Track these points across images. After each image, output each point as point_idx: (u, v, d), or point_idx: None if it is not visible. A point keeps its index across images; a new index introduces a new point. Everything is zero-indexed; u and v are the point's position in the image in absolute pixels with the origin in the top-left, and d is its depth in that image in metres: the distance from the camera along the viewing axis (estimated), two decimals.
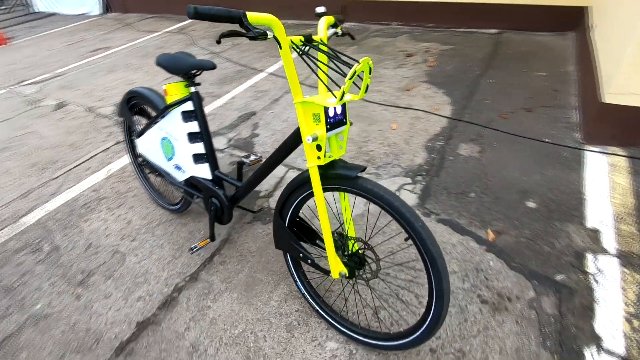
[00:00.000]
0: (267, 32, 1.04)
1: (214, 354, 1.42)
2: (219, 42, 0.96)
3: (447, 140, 2.54)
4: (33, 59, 5.56)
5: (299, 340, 1.44)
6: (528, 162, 2.25)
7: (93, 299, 1.71)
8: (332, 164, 1.19)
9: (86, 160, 2.80)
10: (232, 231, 2.00)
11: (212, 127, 3.01)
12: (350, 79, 0.95)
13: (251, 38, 0.98)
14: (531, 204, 1.95)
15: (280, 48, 1.05)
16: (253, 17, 0.97)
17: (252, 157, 1.78)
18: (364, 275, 1.35)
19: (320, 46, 1.12)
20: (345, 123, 1.17)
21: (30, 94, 4.24)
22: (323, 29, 1.25)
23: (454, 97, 3.08)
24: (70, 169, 2.71)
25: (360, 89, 1.03)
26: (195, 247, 1.71)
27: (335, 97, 1.03)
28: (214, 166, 1.69)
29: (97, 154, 2.86)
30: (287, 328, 1.49)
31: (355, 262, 1.32)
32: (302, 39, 1.11)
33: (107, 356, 1.46)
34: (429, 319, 1.16)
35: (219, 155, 2.65)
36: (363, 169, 1.16)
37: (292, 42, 1.08)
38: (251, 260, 1.81)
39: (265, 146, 2.68)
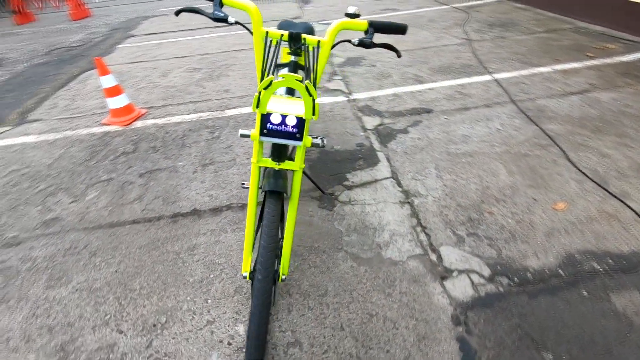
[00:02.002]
0: (230, 18, 1.12)
1: None
2: (176, 14, 1.05)
3: None
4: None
5: None
6: None
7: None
8: (271, 171, 1.14)
9: None
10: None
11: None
12: (264, 88, 0.88)
13: (212, 19, 1.05)
14: None
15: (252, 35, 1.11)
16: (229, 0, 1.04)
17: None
18: None
19: (303, 52, 1.06)
20: (297, 139, 1.01)
21: None
22: (330, 33, 1.07)
23: None
24: None
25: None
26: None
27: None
28: None
29: None
30: None
31: None
32: (286, 36, 1.06)
33: None
34: None
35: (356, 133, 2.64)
36: (283, 191, 1.09)
37: (268, 34, 1.07)
38: None
39: (408, 163, 2.43)
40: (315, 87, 1.14)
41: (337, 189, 2.12)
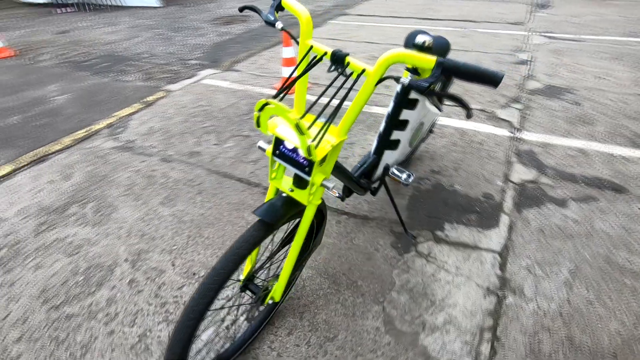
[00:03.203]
0: (278, 23, 1.02)
1: None
2: (240, 10, 0.99)
3: None
4: None
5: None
6: None
7: None
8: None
9: None
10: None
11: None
12: (259, 110, 0.79)
13: (264, 21, 0.97)
14: None
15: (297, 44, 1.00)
16: (286, 3, 0.93)
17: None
18: None
19: (343, 76, 0.85)
20: (305, 173, 0.88)
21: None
22: (378, 64, 0.81)
23: None
24: None
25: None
26: None
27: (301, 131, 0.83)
28: None
29: None
30: None
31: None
32: (329, 54, 0.86)
33: None
34: None
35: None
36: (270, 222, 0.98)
37: (312, 48, 0.89)
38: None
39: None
40: (348, 126, 0.95)
41: (424, 235, 1.79)
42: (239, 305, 1.44)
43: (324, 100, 0.94)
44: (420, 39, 0.87)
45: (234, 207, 2.05)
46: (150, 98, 3.55)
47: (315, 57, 0.95)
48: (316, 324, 1.43)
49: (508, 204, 1.94)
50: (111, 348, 1.40)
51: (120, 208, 2.12)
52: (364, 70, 0.89)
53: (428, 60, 0.82)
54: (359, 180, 1.55)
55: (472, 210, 1.92)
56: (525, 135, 2.53)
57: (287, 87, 0.92)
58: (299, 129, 0.78)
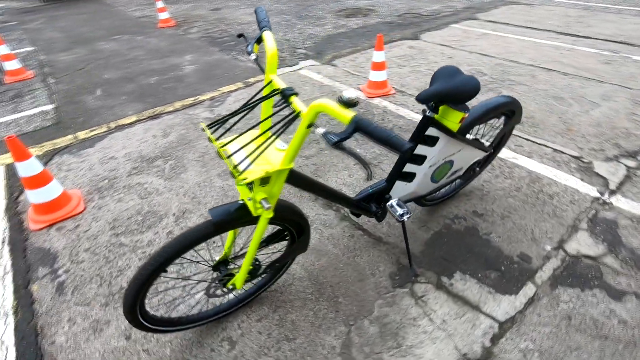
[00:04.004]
0: (252, 55, 1.14)
1: None
2: (238, 36, 1.06)
3: None
4: None
5: None
6: None
7: None
8: None
9: None
10: None
11: None
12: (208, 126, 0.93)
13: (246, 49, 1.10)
14: None
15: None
16: (264, 37, 1.03)
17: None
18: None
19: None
20: (248, 184, 1.05)
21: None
22: (308, 110, 0.93)
23: None
24: None
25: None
26: None
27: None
28: None
29: None
30: None
31: None
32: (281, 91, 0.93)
33: None
34: None
35: None
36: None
37: (271, 82, 0.94)
38: None
39: None
40: (290, 158, 1.03)
41: (427, 276, 1.69)
42: (202, 281, 1.69)
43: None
44: (348, 94, 0.86)
45: None
46: (251, 80, 4.00)
47: (273, 90, 1.03)
48: (284, 321, 1.55)
49: (544, 274, 1.66)
50: None
51: (189, 170, 2.55)
52: (299, 113, 0.93)
53: (344, 117, 0.82)
54: (360, 202, 1.56)
55: (496, 267, 1.71)
56: (618, 201, 2.05)
57: (232, 115, 1.01)
58: (221, 155, 0.89)
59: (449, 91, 1.30)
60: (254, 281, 1.65)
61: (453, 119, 1.41)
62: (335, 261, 1.81)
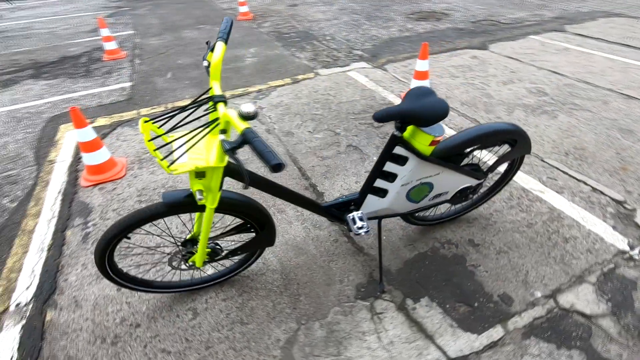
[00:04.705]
0: (204, 62, 1.24)
1: None
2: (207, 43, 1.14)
3: None
4: None
5: None
6: None
7: None
8: None
9: None
10: None
11: None
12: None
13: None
14: None
15: None
16: (216, 46, 1.09)
17: None
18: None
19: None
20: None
21: None
22: (221, 122, 0.86)
23: None
24: None
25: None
26: None
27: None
28: None
29: None
30: None
31: None
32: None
33: None
34: None
35: None
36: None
37: (210, 89, 1.01)
38: None
39: None
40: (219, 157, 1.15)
41: (393, 295, 1.66)
42: (169, 254, 1.74)
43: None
44: (246, 108, 0.90)
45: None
46: (300, 77, 4.16)
47: (208, 96, 1.14)
48: (245, 306, 1.67)
49: (521, 321, 1.52)
50: None
51: None
52: (217, 119, 1.01)
53: (238, 128, 0.89)
54: (330, 209, 1.60)
55: (468, 302, 1.61)
56: None
57: (168, 115, 1.12)
58: (148, 145, 1.01)
59: (409, 112, 1.26)
60: (227, 264, 1.80)
61: (422, 141, 1.37)
62: (311, 261, 1.87)
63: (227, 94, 3.85)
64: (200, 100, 1.15)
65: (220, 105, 1.09)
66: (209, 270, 1.81)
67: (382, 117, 1.27)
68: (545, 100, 3.31)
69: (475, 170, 1.64)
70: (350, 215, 1.57)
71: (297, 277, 1.79)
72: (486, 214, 2.09)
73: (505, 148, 1.73)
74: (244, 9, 7.04)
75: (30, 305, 1.73)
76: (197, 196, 1.18)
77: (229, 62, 4.78)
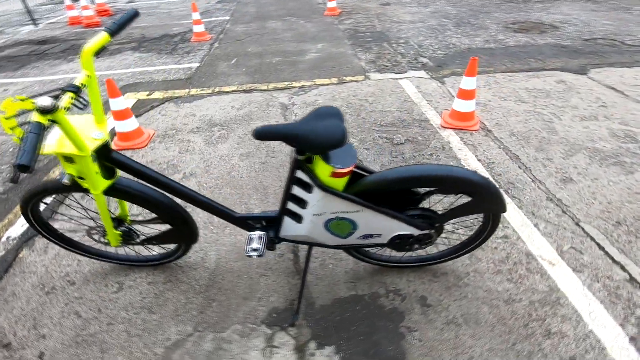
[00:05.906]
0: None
1: None
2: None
3: None
4: None
5: None
6: None
7: None
8: None
9: None
10: None
11: None
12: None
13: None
14: None
15: None
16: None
17: None
18: None
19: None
20: None
21: None
22: None
23: None
24: None
25: None
26: None
27: None
28: None
29: None
30: None
31: None
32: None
33: None
34: None
35: None
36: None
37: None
38: None
39: None
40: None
41: (299, 332, 1.49)
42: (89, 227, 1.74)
43: None
44: (42, 102, 0.84)
45: (269, 185, 2.36)
46: (347, 78, 4.00)
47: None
48: (162, 295, 1.69)
49: None
50: None
51: (227, 143, 2.88)
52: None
53: (33, 120, 0.85)
54: (246, 221, 1.49)
55: None
56: None
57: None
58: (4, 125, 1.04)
59: (293, 134, 1.07)
60: (159, 251, 1.82)
61: (322, 170, 1.16)
62: (245, 270, 1.79)
63: (271, 85, 3.92)
64: (67, 87, 1.18)
65: (66, 94, 1.14)
66: (145, 252, 1.85)
67: (263, 134, 1.10)
68: (629, 149, 2.55)
69: (420, 218, 1.35)
70: (254, 233, 1.44)
71: (222, 282, 1.74)
72: (462, 271, 1.71)
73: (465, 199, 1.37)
74: (332, 4, 7.04)
75: (15, 241, 2.04)
76: (63, 179, 1.22)
77: (291, 55, 4.86)
